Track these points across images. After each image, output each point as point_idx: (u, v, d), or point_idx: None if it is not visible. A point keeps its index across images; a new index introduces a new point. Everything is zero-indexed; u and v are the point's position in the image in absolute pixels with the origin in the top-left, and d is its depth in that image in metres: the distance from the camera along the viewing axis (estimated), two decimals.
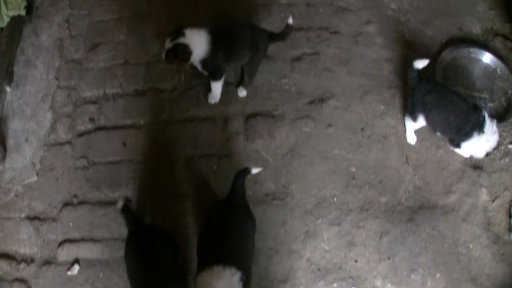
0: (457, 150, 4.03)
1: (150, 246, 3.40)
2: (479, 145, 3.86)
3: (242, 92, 4.32)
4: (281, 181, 3.97)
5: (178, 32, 3.83)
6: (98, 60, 4.60)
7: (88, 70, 4.56)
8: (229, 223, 3.38)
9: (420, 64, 3.88)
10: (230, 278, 3.05)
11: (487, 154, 3.93)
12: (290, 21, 4.18)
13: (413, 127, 4.07)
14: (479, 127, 3.77)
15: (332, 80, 4.40)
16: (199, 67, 4.06)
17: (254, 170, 3.64)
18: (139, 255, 3.36)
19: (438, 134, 4.04)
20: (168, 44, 3.82)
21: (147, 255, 3.34)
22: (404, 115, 4.16)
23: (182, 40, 3.80)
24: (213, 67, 4.06)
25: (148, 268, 3.27)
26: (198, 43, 3.88)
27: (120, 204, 3.62)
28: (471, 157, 4.06)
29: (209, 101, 4.28)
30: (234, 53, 4.07)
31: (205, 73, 4.13)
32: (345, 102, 4.30)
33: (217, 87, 4.20)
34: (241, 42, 4.06)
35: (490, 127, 3.79)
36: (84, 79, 4.51)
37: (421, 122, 3.98)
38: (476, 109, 3.82)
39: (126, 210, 3.66)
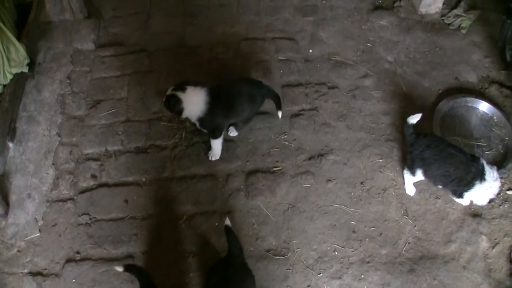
0: (459, 201, 4.07)
1: None
2: (481, 193, 3.87)
3: (233, 132, 4.43)
4: (282, 236, 3.99)
5: (182, 86, 3.99)
6: (100, 117, 4.65)
7: (90, 127, 4.60)
8: (228, 283, 3.41)
9: (414, 119, 3.94)
10: None
11: (490, 201, 3.95)
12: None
13: (412, 180, 4.11)
14: (480, 176, 3.79)
15: (331, 135, 4.47)
16: (197, 124, 4.15)
17: (227, 222, 3.71)
18: None
19: (440, 187, 4.07)
20: (168, 92, 4.01)
21: None
22: (403, 168, 4.19)
23: (179, 93, 3.98)
24: (211, 125, 4.15)
25: None
26: (195, 101, 4.03)
27: (120, 268, 3.65)
28: (470, 206, 4.08)
29: (210, 158, 4.33)
30: (233, 110, 4.16)
31: (204, 131, 4.21)
32: (344, 156, 4.36)
33: (217, 145, 4.27)
34: (240, 98, 4.16)
35: (491, 174, 3.81)
36: (86, 136, 4.55)
37: (420, 176, 4.02)
38: (475, 159, 3.86)
39: (131, 267, 3.69)
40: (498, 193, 3.96)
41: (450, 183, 3.91)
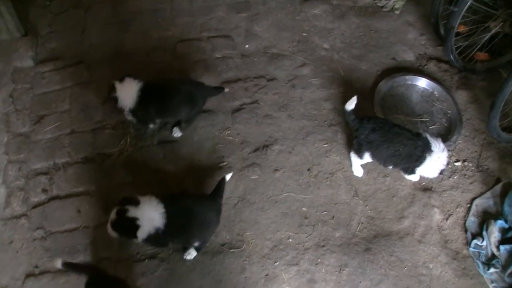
0: (410, 177, 4.17)
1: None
2: (432, 165, 3.95)
3: (177, 133, 4.47)
4: (235, 229, 4.02)
5: (122, 77, 4.18)
6: (45, 132, 4.62)
7: (36, 142, 4.57)
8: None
9: (351, 105, 4.00)
10: None
11: (441, 172, 4.02)
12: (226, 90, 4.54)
13: (360, 162, 4.18)
14: (428, 148, 3.88)
15: (273, 126, 4.53)
16: (129, 116, 4.26)
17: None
18: None
19: (390, 167, 4.13)
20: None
21: None
22: (349, 151, 4.26)
23: (116, 83, 4.14)
24: (140, 117, 4.29)
25: None
26: (129, 91, 4.13)
27: (58, 263, 3.65)
28: (420, 181, 4.18)
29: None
30: (166, 107, 4.23)
31: (134, 121, 4.35)
32: (288, 145, 4.42)
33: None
34: (177, 96, 4.22)
35: (437, 145, 3.90)
36: (33, 151, 4.52)
37: (368, 158, 4.08)
38: (418, 134, 3.94)
39: (69, 265, 3.69)
40: (447, 164, 4.04)
41: (400, 161, 3.98)
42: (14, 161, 4.51)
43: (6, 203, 4.29)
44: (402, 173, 4.16)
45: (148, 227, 3.50)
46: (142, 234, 3.50)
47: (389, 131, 3.94)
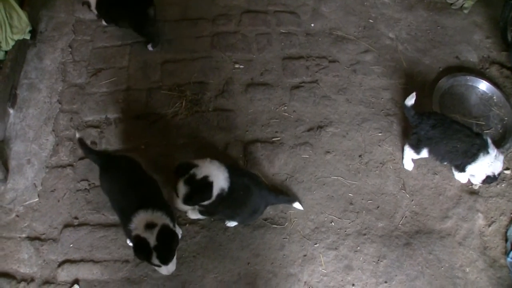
0: (458, 177, 4.11)
1: (126, 168, 3.66)
2: (483, 168, 3.89)
3: (150, 47, 4.79)
4: (280, 206, 4.01)
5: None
6: (100, 85, 4.67)
7: (91, 95, 4.62)
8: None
9: (410, 100, 3.94)
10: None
11: (487, 181, 3.96)
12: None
13: (413, 156, 4.13)
14: (484, 149, 3.82)
15: (330, 108, 4.50)
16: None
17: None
18: (118, 178, 3.59)
19: (445, 163, 4.10)
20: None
21: (125, 176, 3.60)
22: (402, 144, 4.23)
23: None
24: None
25: (131, 185, 3.54)
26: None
27: (77, 134, 3.80)
28: (467, 183, 4.11)
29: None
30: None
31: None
32: (343, 129, 4.39)
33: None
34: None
35: (494, 150, 3.85)
36: (87, 103, 4.57)
37: (424, 154, 4.04)
38: (478, 134, 3.89)
39: (83, 143, 3.84)
40: (498, 175, 3.95)
41: (456, 157, 3.93)
42: (66, 111, 4.57)
43: (53, 151, 4.36)
44: (453, 170, 4.11)
45: (217, 184, 3.42)
46: (215, 191, 3.43)
47: (449, 128, 3.89)
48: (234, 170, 3.57)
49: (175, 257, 3.40)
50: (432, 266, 3.79)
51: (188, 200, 3.40)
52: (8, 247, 3.96)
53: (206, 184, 3.35)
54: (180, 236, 3.81)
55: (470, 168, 3.93)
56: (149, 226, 3.22)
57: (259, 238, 3.87)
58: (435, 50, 4.90)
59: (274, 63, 4.76)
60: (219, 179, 3.40)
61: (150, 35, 4.78)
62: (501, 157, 3.89)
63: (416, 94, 3.95)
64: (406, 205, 4.04)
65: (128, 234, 3.36)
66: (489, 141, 3.85)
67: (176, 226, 3.65)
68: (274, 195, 3.86)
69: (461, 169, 3.98)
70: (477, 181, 4.03)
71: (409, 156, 4.14)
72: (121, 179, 3.57)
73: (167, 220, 3.30)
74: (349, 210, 4.01)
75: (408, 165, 4.19)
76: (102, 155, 3.89)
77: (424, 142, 3.96)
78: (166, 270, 3.39)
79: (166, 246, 3.25)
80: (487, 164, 3.85)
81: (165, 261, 3.27)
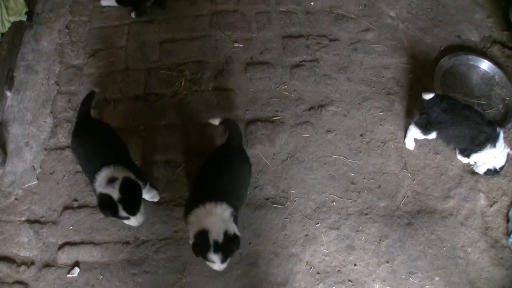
0: (461, 158, 4.08)
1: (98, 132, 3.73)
2: (486, 159, 3.89)
3: (133, 15, 4.85)
4: (281, 186, 4.00)
5: None
6: (98, 66, 4.63)
7: (89, 76, 4.59)
8: (225, 163, 3.52)
9: (427, 96, 3.87)
10: (222, 213, 3.16)
11: (489, 173, 3.97)
12: None
13: (417, 136, 4.09)
14: (493, 140, 3.80)
15: (331, 87, 4.47)
16: None
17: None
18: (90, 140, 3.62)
19: (451, 146, 4.08)
20: None
21: (97, 138, 3.66)
22: (405, 123, 4.22)
23: None
24: None
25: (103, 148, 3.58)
26: None
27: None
28: (469, 164, 4.09)
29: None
30: None
31: None
32: (344, 108, 4.35)
33: None
34: None
35: (502, 145, 3.83)
36: (85, 84, 4.54)
37: (432, 136, 4.00)
38: (491, 124, 3.85)
39: (90, 96, 3.86)
40: (501, 169, 3.95)
41: (463, 143, 3.91)
42: (64, 92, 4.54)
43: (52, 133, 4.33)
44: (457, 152, 4.08)
45: (232, 227, 3.24)
46: (235, 230, 3.29)
47: (459, 114, 3.85)
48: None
49: (141, 207, 3.47)
50: (434, 246, 3.79)
51: (227, 258, 3.25)
52: (8, 230, 3.96)
53: (230, 239, 3.19)
54: (157, 200, 3.92)
55: (474, 156, 3.91)
56: (111, 180, 3.27)
57: (260, 218, 3.86)
58: (437, 29, 4.84)
59: (274, 42, 4.71)
60: (227, 223, 3.23)
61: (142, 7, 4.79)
62: (506, 152, 3.88)
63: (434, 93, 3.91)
64: (407, 185, 4.02)
65: (94, 192, 3.42)
66: (501, 135, 3.82)
67: (150, 187, 3.79)
68: None
69: (466, 155, 3.96)
70: (478, 170, 4.02)
71: (413, 136, 4.10)
72: (89, 142, 3.59)
73: (129, 174, 3.35)
74: (351, 189, 3.99)
75: (410, 144, 4.15)
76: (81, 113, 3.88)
77: (434, 125, 3.92)
78: (136, 221, 3.48)
79: (130, 197, 3.31)
80: (492, 156, 3.85)
81: (131, 211, 3.34)
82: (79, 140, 3.64)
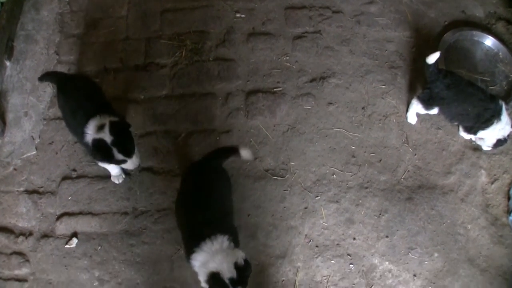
0: (464, 135, 4.05)
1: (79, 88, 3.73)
2: (494, 133, 3.86)
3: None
4: (281, 157, 3.98)
5: None
6: (99, 35, 4.60)
7: (89, 45, 4.56)
8: (206, 185, 3.39)
9: (432, 58, 3.81)
10: (222, 247, 3.06)
11: (497, 145, 3.93)
12: None
13: (420, 111, 4.05)
14: (498, 115, 3.78)
15: (333, 59, 4.42)
16: None
17: (245, 153, 3.53)
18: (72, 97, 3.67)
19: (455, 123, 4.05)
20: None
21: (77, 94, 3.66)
22: (408, 97, 4.18)
23: None
24: None
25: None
26: None
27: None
28: (471, 139, 4.06)
29: None
30: None
31: None
32: (346, 80, 4.32)
33: None
34: None
35: (506, 116, 3.81)
36: (84, 54, 4.51)
37: (434, 111, 3.96)
38: (494, 98, 3.83)
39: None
40: (508, 136, 3.91)
41: (467, 120, 3.88)
42: (64, 61, 4.52)
43: (51, 103, 4.32)
44: (461, 130, 4.05)
45: (240, 256, 3.11)
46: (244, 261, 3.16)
47: (463, 91, 3.82)
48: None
49: (136, 150, 3.53)
50: (434, 222, 3.78)
51: (247, 285, 3.15)
52: (6, 201, 3.97)
53: (243, 270, 3.08)
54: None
55: (481, 133, 3.88)
56: (100, 127, 3.31)
57: (260, 190, 3.84)
58: (441, 3, 4.77)
59: (276, 13, 4.65)
60: (232, 254, 3.12)
61: None
62: (510, 121, 3.86)
63: (439, 54, 3.82)
64: (408, 159, 4.00)
65: (87, 147, 3.46)
66: (504, 106, 3.80)
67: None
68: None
69: (474, 132, 3.92)
70: (486, 145, 3.98)
71: (415, 110, 4.06)
72: (74, 98, 3.60)
73: (115, 118, 3.38)
74: (351, 162, 3.97)
75: (412, 118, 4.12)
76: (59, 75, 3.91)
77: (436, 101, 3.88)
78: (132, 164, 3.51)
79: (122, 138, 3.35)
80: (499, 129, 3.82)
81: (127, 152, 3.38)
82: (63, 98, 3.70)
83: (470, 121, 3.86)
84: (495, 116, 3.77)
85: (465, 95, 3.80)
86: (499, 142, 3.92)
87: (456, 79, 3.86)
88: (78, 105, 3.53)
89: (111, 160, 3.37)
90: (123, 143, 3.35)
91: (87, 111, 3.45)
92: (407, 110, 4.13)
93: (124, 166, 3.54)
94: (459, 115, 3.88)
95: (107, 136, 3.27)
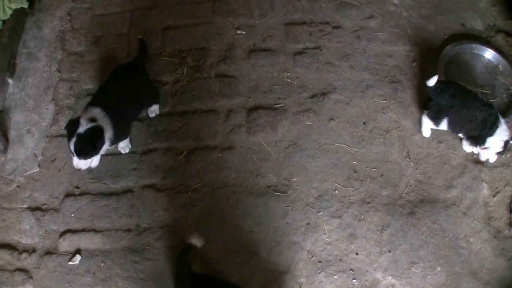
0: (466, 148, 4.05)
1: None
2: (500, 137, 3.84)
3: None
4: (283, 173, 3.98)
5: None
6: (100, 53, 4.61)
7: (90, 63, 4.57)
8: None
9: (432, 81, 3.84)
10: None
11: (506, 145, 3.90)
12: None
13: (432, 127, 4.06)
14: (498, 118, 3.80)
15: (334, 74, 4.43)
16: None
17: (195, 241, 3.59)
18: None
19: (461, 134, 4.03)
20: None
21: None
22: (411, 112, 4.20)
23: None
24: None
25: None
26: None
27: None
28: (473, 153, 4.07)
29: None
30: None
31: None
32: (347, 96, 4.32)
33: None
34: None
35: (501, 119, 3.83)
36: (86, 71, 4.52)
37: (443, 126, 3.97)
38: (490, 104, 3.87)
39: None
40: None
41: (475, 128, 3.86)
42: (66, 79, 4.53)
43: (53, 120, 4.34)
44: (464, 141, 4.05)
45: None
46: None
47: (467, 97, 3.85)
48: None
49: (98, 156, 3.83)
50: (437, 236, 3.76)
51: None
52: (9, 218, 3.97)
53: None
54: (128, 150, 4.11)
55: (490, 140, 3.86)
56: (91, 120, 3.55)
57: (262, 206, 3.84)
58: (440, 17, 4.80)
59: (276, 29, 4.67)
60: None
61: None
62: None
63: (438, 77, 3.86)
64: (410, 174, 3.99)
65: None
66: (497, 111, 3.83)
67: None
68: None
69: (481, 141, 3.91)
70: (493, 154, 3.95)
71: (428, 126, 4.08)
72: None
73: (104, 123, 3.60)
74: (353, 178, 3.97)
75: (427, 133, 4.13)
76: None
77: (445, 111, 3.89)
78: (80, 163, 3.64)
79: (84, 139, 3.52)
80: (503, 130, 3.82)
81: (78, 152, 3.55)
82: None
83: (477, 129, 3.86)
84: (497, 119, 3.79)
85: (471, 100, 3.83)
86: (507, 143, 3.90)
87: (458, 87, 3.91)
88: None
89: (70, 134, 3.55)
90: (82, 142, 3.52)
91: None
92: (421, 125, 4.12)
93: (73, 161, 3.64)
94: (468, 123, 3.86)
95: (82, 128, 3.50)
